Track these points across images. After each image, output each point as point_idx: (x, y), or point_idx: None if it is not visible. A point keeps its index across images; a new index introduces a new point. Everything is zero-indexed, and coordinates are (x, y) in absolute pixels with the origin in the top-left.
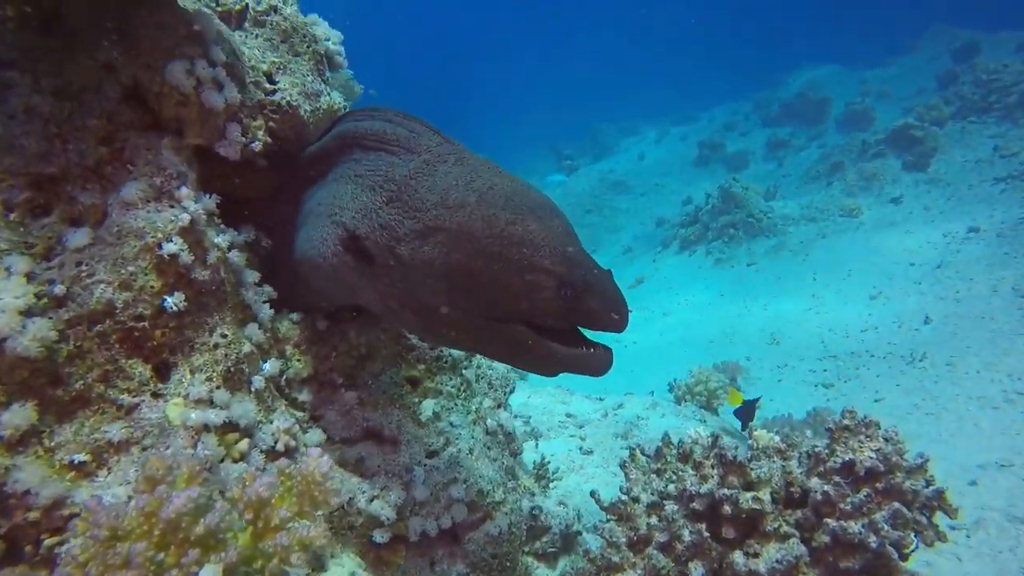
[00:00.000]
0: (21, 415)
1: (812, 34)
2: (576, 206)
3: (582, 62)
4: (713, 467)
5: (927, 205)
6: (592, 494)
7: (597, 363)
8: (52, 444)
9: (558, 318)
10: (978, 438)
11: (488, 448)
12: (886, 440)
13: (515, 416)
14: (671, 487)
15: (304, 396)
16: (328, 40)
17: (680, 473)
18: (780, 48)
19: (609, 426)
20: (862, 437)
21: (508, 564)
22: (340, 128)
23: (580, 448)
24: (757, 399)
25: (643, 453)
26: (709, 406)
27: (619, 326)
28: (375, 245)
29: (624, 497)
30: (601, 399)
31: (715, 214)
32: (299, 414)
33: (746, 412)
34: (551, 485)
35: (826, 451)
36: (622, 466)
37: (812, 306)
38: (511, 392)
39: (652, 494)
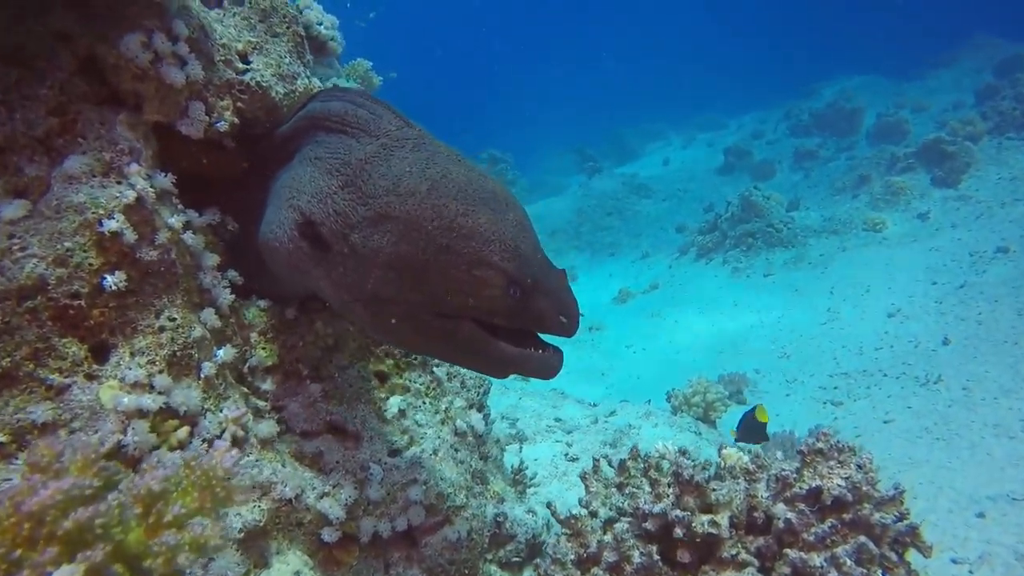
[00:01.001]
0: None
1: (848, 43)
2: (596, 208)
3: (609, 66)
4: (670, 485)
5: (955, 222)
6: (548, 505)
7: (546, 365)
8: None
9: (506, 318)
10: (990, 468)
11: (455, 450)
12: (859, 467)
13: (502, 418)
14: (628, 503)
15: (267, 385)
16: (321, 24)
17: (639, 488)
18: (815, 57)
19: (598, 433)
20: (833, 463)
21: (467, 571)
22: (307, 108)
23: (566, 454)
24: (753, 410)
25: (609, 464)
26: (706, 418)
27: (567, 331)
28: (329, 232)
29: (580, 511)
30: (594, 405)
31: (734, 222)
32: (260, 403)
33: (747, 427)
34: (529, 491)
35: (794, 475)
36: (582, 477)
37: (827, 320)
38: (486, 393)
39: (610, 509)
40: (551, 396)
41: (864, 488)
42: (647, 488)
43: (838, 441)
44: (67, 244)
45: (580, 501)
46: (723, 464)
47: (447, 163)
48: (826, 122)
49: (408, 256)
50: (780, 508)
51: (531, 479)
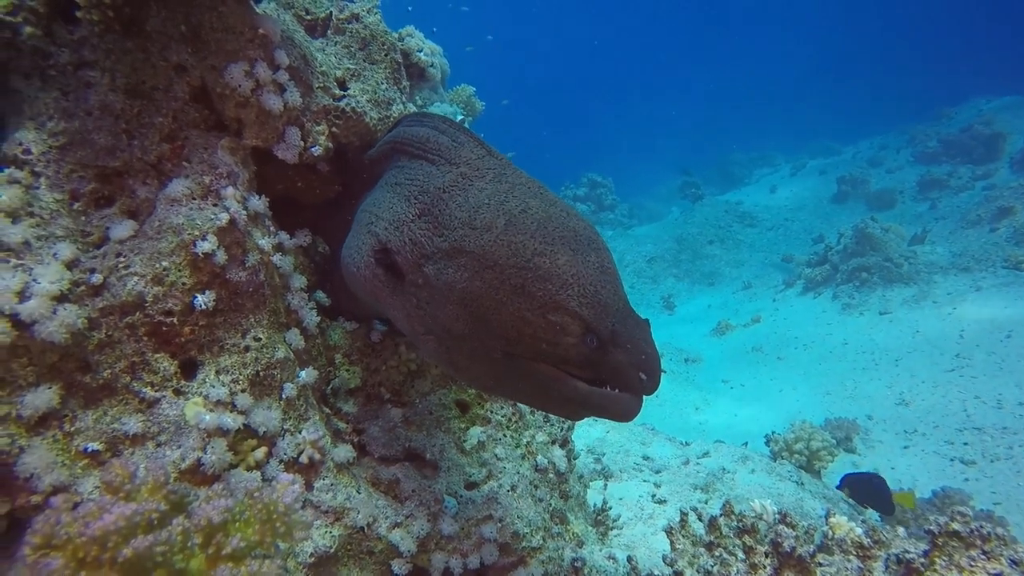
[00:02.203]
0: (43, 398)
1: (987, 63)
2: (698, 236)
3: (715, 88)
4: (767, 555)
5: None
6: (629, 559)
7: (624, 407)
8: (72, 429)
9: (580, 368)
10: None
11: (535, 487)
12: (1013, 563)
13: (587, 452)
14: (719, 568)
15: (349, 407)
16: (421, 51)
17: (731, 554)
18: (946, 78)
19: (689, 475)
20: (976, 552)
21: None
22: (392, 133)
23: (653, 496)
24: (882, 484)
25: (699, 518)
26: (810, 467)
27: (647, 389)
28: (404, 261)
29: (664, 571)
30: (686, 444)
31: (847, 255)
32: (341, 425)
33: (859, 488)
34: (611, 533)
35: (922, 560)
36: (668, 532)
37: (956, 368)
38: (570, 428)
39: (697, 572)
40: (640, 432)
41: None
42: (740, 555)
43: (981, 525)
44: (164, 263)
45: (664, 559)
46: (831, 534)
47: (527, 196)
48: (959, 148)
49: (481, 294)
50: None
51: (614, 520)
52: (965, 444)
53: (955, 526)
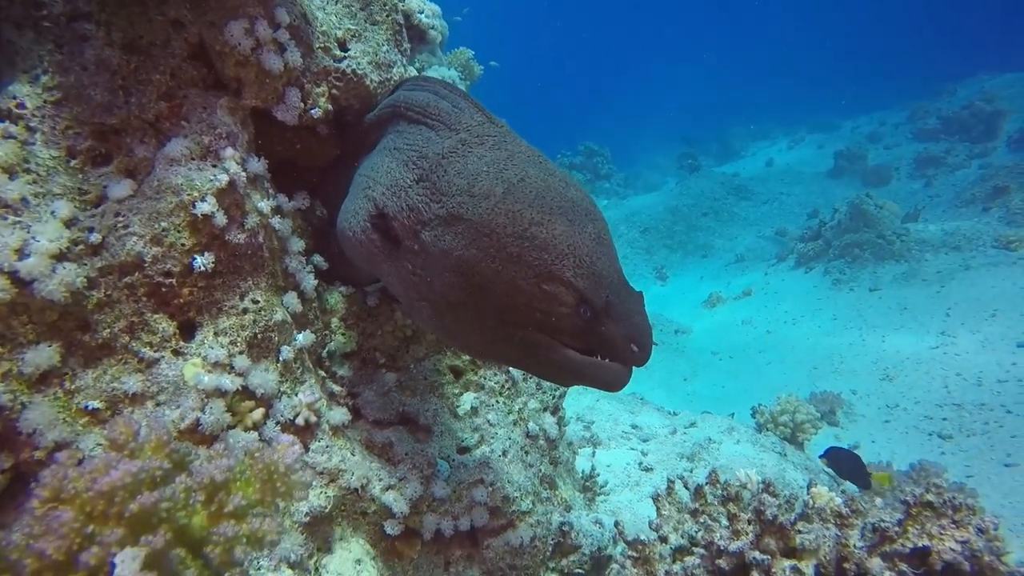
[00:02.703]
0: (44, 355)
1: (993, 37)
2: (693, 207)
3: (716, 61)
4: (750, 522)
5: None
6: (616, 524)
7: (612, 377)
8: (72, 387)
9: (573, 337)
10: None
11: (525, 452)
12: (980, 531)
13: (577, 419)
14: (703, 534)
15: (344, 371)
16: (422, 12)
17: (715, 520)
18: (951, 54)
19: (676, 445)
20: (947, 521)
21: None
22: (392, 97)
23: (640, 463)
24: (858, 459)
25: (685, 486)
26: (794, 439)
27: (637, 360)
28: (401, 227)
29: (650, 535)
30: (674, 414)
31: (840, 231)
32: (336, 388)
33: (839, 461)
34: (599, 499)
35: (896, 528)
36: (654, 499)
37: (940, 344)
38: (562, 396)
39: (682, 537)
40: (629, 401)
41: (987, 559)
42: (724, 521)
43: (953, 496)
44: (163, 224)
45: (650, 524)
46: (811, 503)
47: (527, 165)
48: (958, 125)
49: (477, 262)
50: (876, 563)
51: (602, 487)
52: (944, 419)
53: (929, 497)
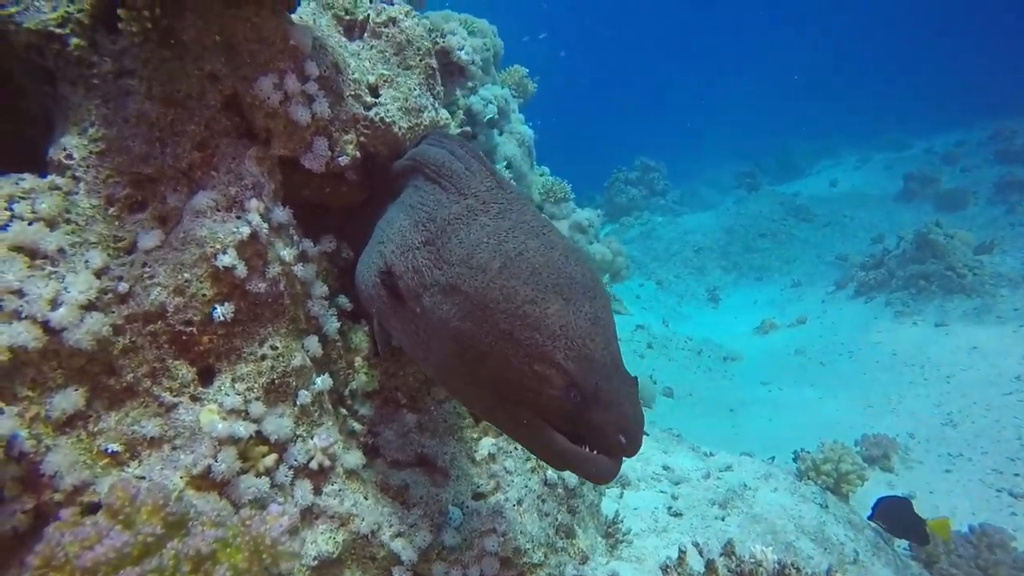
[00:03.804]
0: (70, 399)
1: None
2: (749, 228)
3: (779, 73)
4: None
5: None
6: None
7: (599, 470)
8: (96, 429)
9: (562, 421)
10: None
11: (542, 501)
12: None
13: None
14: None
15: (365, 410)
16: (461, 50)
17: None
18: None
19: (708, 490)
20: None
21: None
22: (415, 149)
23: (669, 508)
24: (914, 513)
25: (700, 553)
26: (837, 489)
27: (626, 451)
28: (406, 287)
29: None
30: (710, 455)
31: (904, 261)
32: (357, 426)
33: (892, 513)
34: (621, 546)
35: None
36: (663, 569)
37: (1015, 391)
38: None
39: None
40: (664, 438)
41: None
42: None
43: None
44: (186, 275)
45: None
46: None
47: (528, 237)
48: None
49: (472, 335)
50: None
51: (625, 534)
52: (1016, 475)
53: None
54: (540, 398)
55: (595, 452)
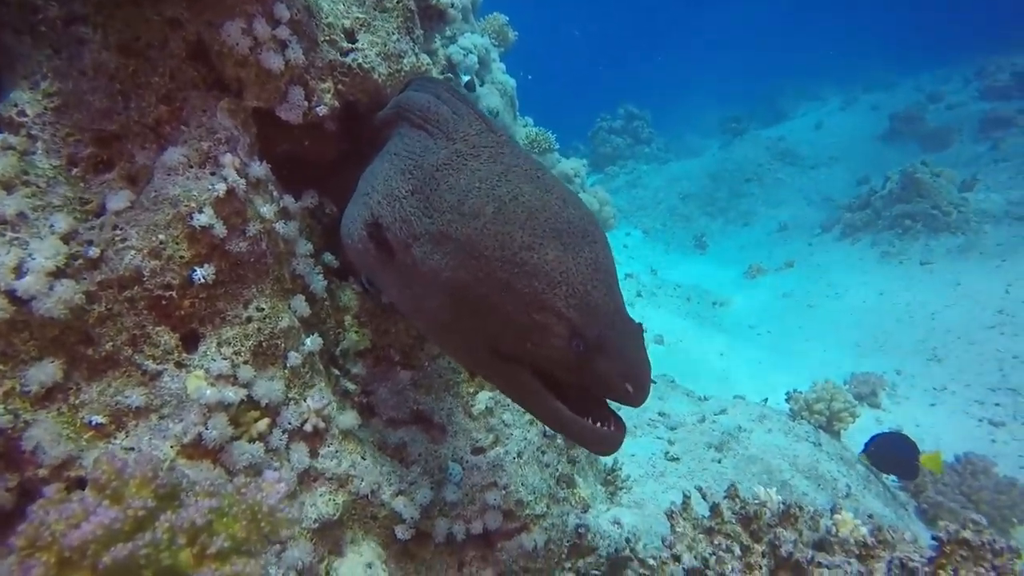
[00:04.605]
0: (46, 372)
1: None
2: (735, 173)
3: (769, 13)
4: (764, 555)
5: None
6: (627, 541)
7: (600, 441)
8: (77, 402)
9: (566, 372)
10: None
11: (541, 452)
12: None
13: None
14: (714, 561)
15: (358, 369)
16: None
17: (730, 544)
18: None
19: (703, 433)
20: (986, 565)
21: None
22: (399, 97)
23: (666, 453)
24: (912, 449)
25: (703, 497)
26: (829, 427)
27: (633, 400)
28: (394, 238)
29: (662, 553)
30: (704, 399)
31: (890, 201)
32: (350, 386)
33: (886, 449)
34: (620, 492)
35: (927, 568)
36: (669, 515)
37: (997, 324)
38: None
39: (696, 558)
40: (659, 385)
41: None
42: (738, 551)
43: (994, 539)
44: (161, 236)
45: (663, 541)
46: (835, 530)
47: (521, 181)
48: None
49: (466, 285)
50: None
51: (624, 481)
52: (996, 405)
53: (966, 534)
54: (542, 349)
55: (598, 425)
